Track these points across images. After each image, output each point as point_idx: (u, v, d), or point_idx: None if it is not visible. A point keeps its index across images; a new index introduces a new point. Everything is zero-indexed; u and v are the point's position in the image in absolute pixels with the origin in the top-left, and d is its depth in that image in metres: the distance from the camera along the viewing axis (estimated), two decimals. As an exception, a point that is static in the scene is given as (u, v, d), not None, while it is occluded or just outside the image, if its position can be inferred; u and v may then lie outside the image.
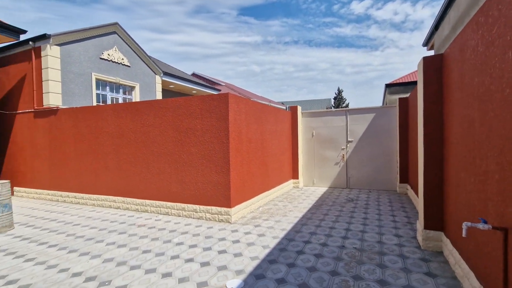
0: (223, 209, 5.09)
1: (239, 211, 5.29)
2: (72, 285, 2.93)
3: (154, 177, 5.84)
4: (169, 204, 5.66)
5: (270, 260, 3.42)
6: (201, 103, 5.30)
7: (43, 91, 7.47)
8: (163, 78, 11.83)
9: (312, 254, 3.55)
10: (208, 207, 5.24)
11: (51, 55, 7.40)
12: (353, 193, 7.54)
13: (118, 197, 6.35)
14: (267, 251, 3.70)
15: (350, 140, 8.03)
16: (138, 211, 6.03)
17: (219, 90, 17.24)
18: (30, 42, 7.45)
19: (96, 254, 3.75)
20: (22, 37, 7.12)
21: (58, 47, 7.55)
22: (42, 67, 7.45)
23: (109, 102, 9.37)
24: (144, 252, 3.77)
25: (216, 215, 5.16)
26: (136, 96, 10.36)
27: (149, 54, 10.87)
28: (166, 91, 13.37)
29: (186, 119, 5.45)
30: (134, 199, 6.12)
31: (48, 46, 7.34)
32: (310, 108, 36.66)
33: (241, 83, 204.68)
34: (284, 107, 13.06)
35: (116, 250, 3.85)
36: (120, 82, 9.68)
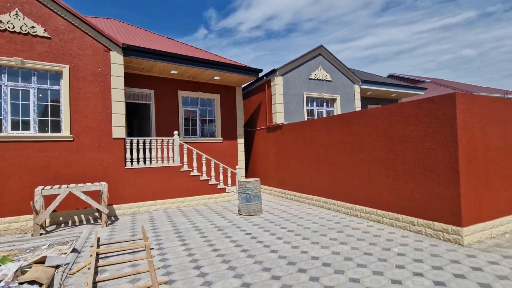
0: (450, 227, 4.40)
1: (473, 233, 4.36)
2: (314, 266, 3.67)
3: (364, 184, 6.05)
4: (380, 212, 5.65)
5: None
6: (417, 108, 4.92)
7: (272, 112, 9.86)
8: (362, 86, 11.98)
9: None
10: (429, 222, 4.72)
11: (278, 83, 9.65)
12: None
13: (329, 199, 7.12)
14: (534, 293, 2.81)
15: None
16: (348, 214, 6.46)
17: (425, 89, 14.92)
18: (265, 77, 10.12)
19: (324, 245, 4.44)
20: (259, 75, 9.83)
21: (281, 77, 9.73)
22: (272, 94, 9.86)
23: (316, 115, 10.76)
24: (366, 254, 4.01)
25: (439, 233, 4.55)
26: (337, 107, 11.19)
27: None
28: (363, 99, 13.41)
29: (398, 126, 5.26)
30: (344, 203, 6.63)
31: (276, 77, 9.64)
32: None
33: (447, 75, 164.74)
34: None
35: (340, 246, 4.37)
36: (324, 96, 10.86)
